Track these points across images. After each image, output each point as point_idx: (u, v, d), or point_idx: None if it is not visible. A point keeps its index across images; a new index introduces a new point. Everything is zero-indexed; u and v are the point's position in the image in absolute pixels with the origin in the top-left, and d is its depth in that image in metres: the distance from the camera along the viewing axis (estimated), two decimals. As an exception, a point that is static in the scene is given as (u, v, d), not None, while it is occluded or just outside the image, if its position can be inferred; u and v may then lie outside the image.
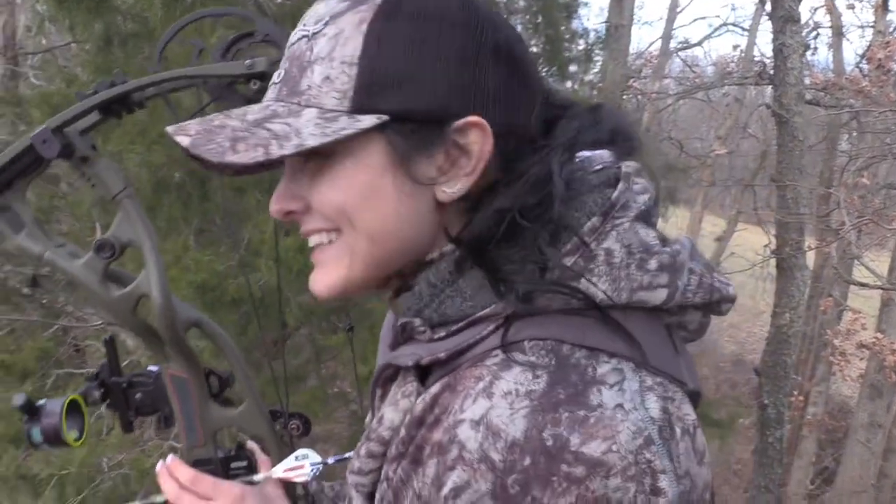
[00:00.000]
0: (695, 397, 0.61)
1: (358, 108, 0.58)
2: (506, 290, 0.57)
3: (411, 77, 0.57)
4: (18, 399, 0.90)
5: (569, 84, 5.55)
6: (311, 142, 0.56)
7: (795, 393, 7.49)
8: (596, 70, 6.20)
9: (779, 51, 5.60)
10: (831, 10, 8.78)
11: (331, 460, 0.92)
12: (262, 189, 3.28)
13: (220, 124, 0.59)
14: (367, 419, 0.75)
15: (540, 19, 4.65)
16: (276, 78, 0.62)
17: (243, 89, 0.84)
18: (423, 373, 0.60)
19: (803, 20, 7.64)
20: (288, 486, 0.92)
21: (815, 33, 8.96)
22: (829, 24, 9.04)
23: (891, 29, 8.54)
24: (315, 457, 0.90)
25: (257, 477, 0.91)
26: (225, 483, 0.87)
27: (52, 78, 3.74)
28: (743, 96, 10.71)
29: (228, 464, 0.92)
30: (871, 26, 8.89)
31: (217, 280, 2.98)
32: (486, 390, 0.53)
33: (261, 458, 0.96)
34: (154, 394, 0.93)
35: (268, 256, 2.87)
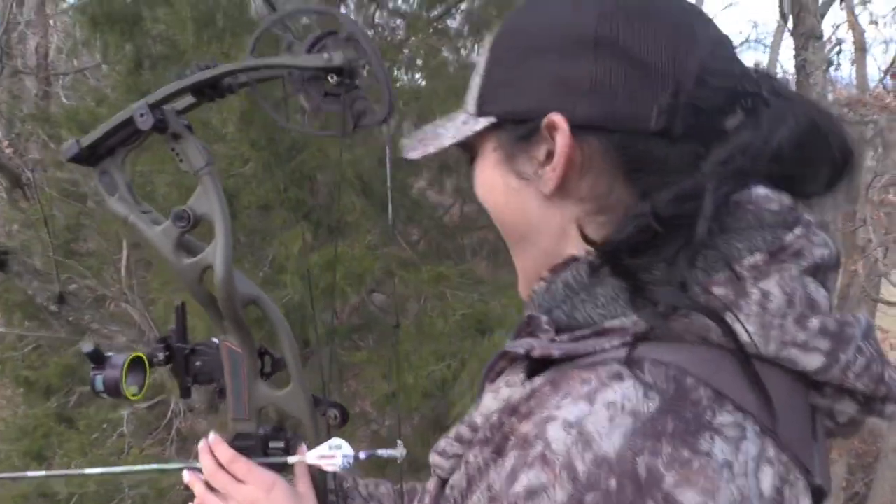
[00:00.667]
0: (818, 495, 0.54)
1: (480, 112, 0.63)
2: (642, 303, 0.54)
3: (513, 80, 0.61)
4: (87, 347, 0.96)
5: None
6: (446, 142, 0.65)
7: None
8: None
9: (801, 67, 5.56)
10: (854, 26, 8.73)
11: (362, 455, 0.94)
12: (289, 207, 3.31)
13: (420, 131, 0.69)
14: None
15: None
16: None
17: (328, 86, 0.89)
18: (534, 371, 0.57)
19: (826, 36, 7.60)
20: (318, 477, 0.95)
21: (837, 49, 8.91)
22: (852, 39, 8.98)
23: (915, 45, 8.46)
24: (348, 449, 0.92)
25: (291, 459, 0.93)
26: (259, 469, 0.90)
27: (83, 98, 3.81)
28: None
29: (267, 442, 0.95)
30: (895, 42, 8.82)
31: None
32: (590, 395, 0.49)
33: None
34: (212, 364, 0.98)
35: (293, 273, 2.87)
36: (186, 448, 4.24)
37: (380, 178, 3.39)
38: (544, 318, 0.60)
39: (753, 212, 0.56)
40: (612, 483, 0.45)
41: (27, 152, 4.73)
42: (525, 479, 0.47)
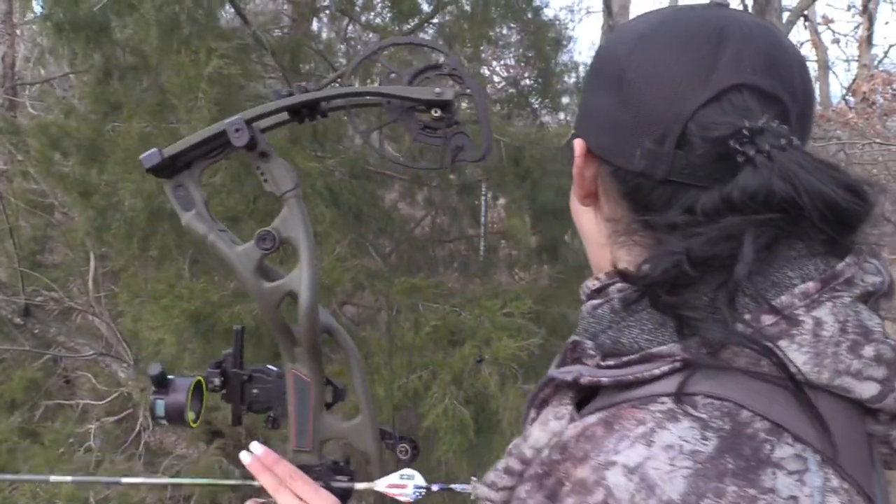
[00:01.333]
0: None
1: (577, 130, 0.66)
2: (689, 333, 0.52)
3: (581, 108, 0.67)
4: (154, 368, 0.92)
5: (562, 116, 5.63)
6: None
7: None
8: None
9: (767, 84, 5.69)
10: (817, 44, 8.95)
11: (435, 487, 0.92)
12: (257, 219, 3.30)
13: None
14: None
15: (532, 53, 4.73)
16: None
17: (424, 116, 0.90)
18: (582, 400, 0.57)
19: (790, 55, 7.74)
20: None
21: (801, 67, 9.10)
22: (815, 58, 9.20)
23: (875, 63, 8.71)
24: (420, 480, 0.90)
25: (359, 485, 0.91)
26: (325, 492, 0.86)
27: (51, 108, 3.78)
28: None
29: (330, 475, 0.92)
30: (856, 60, 9.07)
31: (211, 309, 2.97)
32: (647, 437, 0.48)
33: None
34: (271, 392, 0.95)
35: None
36: (155, 462, 4.17)
37: (348, 189, 3.40)
38: (589, 343, 0.59)
39: (805, 241, 0.54)
40: None
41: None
42: None
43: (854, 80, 7.70)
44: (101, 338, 4.04)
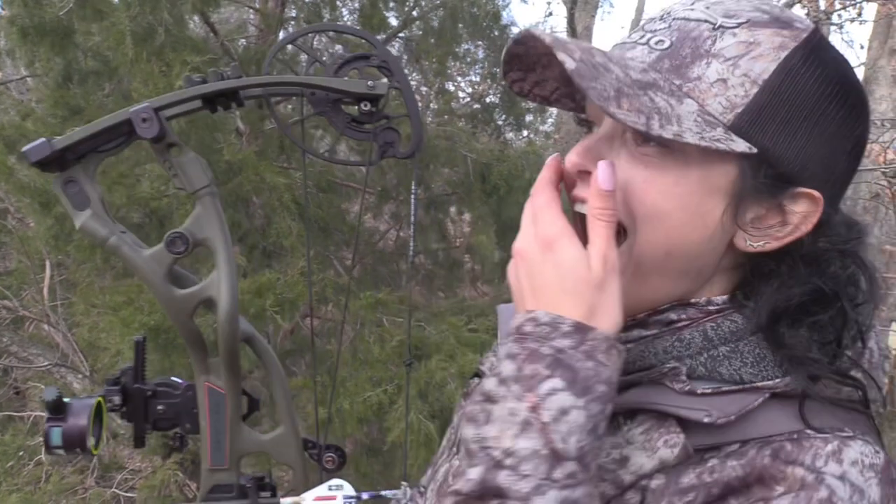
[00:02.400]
0: None
1: (737, 127, 0.54)
2: (792, 368, 0.56)
3: (796, 125, 0.55)
4: (50, 393, 0.82)
5: (525, 133, 5.70)
6: (689, 138, 0.53)
7: None
8: (551, 120, 6.39)
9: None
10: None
11: (365, 495, 0.89)
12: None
13: (602, 63, 0.54)
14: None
15: (497, 70, 4.79)
16: (653, 40, 0.57)
17: (351, 109, 0.84)
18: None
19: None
20: None
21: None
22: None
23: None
24: (349, 489, 0.87)
25: (285, 500, 0.87)
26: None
27: (7, 110, 3.68)
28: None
29: (246, 493, 0.86)
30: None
31: (170, 322, 2.92)
32: (836, 455, 0.53)
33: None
34: (178, 407, 0.87)
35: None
36: (108, 477, 4.06)
37: (315, 202, 3.38)
38: (684, 370, 0.58)
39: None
40: None
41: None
42: None
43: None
44: (57, 348, 3.93)
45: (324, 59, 0.87)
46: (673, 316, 0.60)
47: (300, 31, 0.94)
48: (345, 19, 4.16)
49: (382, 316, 3.53)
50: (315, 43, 3.82)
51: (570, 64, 0.52)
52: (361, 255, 4.41)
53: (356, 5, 4.03)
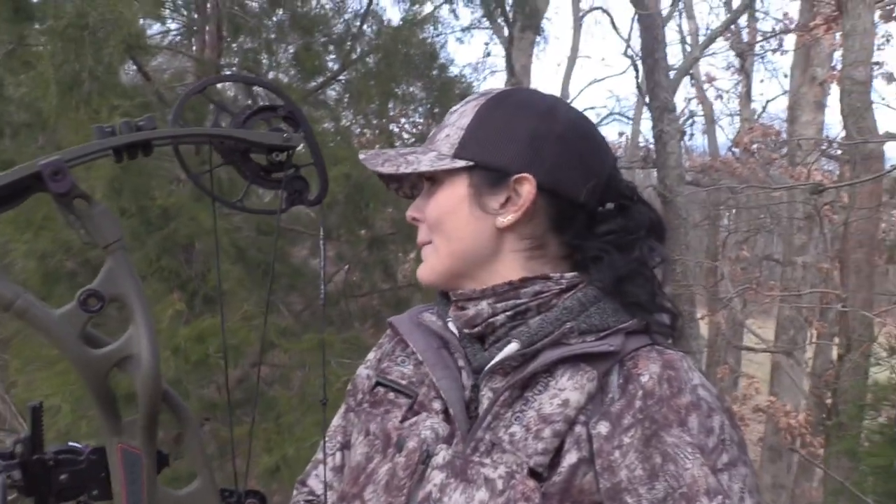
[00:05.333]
0: None
1: (458, 155, 0.87)
2: (638, 312, 0.85)
3: (493, 143, 0.87)
4: None
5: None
6: (423, 167, 0.87)
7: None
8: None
9: (658, 137, 6.06)
10: (703, 100, 9.59)
11: None
12: (160, 278, 3.21)
13: (384, 151, 0.92)
14: (434, 431, 0.87)
15: (438, 108, 4.88)
16: (429, 137, 0.94)
17: (259, 159, 0.86)
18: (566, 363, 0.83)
19: (679, 109, 8.30)
20: None
21: (690, 121, 9.73)
22: (703, 112, 9.86)
23: (755, 116, 9.40)
24: None
25: None
26: None
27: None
28: (631, 179, 11.42)
29: None
30: (738, 114, 9.76)
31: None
32: (691, 368, 0.82)
33: None
34: (84, 474, 0.83)
35: (164, 346, 2.77)
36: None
37: (255, 246, 3.36)
38: (575, 328, 0.83)
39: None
40: (725, 403, 0.82)
41: None
42: (716, 424, 0.78)
43: (738, 133, 8.28)
44: (-9, 411, 3.78)
45: (230, 110, 0.90)
46: (537, 287, 0.86)
47: (206, 81, 0.95)
48: (282, 64, 4.20)
49: (330, 359, 3.50)
50: (232, 90, 3.83)
51: (362, 156, 0.92)
52: (308, 298, 4.38)
53: (292, 50, 4.07)
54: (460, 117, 0.89)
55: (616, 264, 0.85)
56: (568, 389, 0.81)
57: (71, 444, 0.85)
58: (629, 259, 0.86)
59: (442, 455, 0.82)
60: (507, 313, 0.86)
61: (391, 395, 0.91)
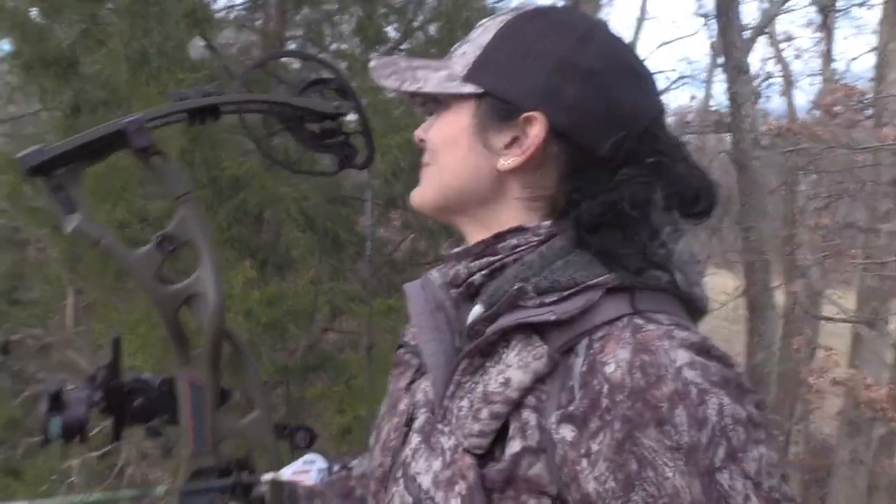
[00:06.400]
0: None
1: (469, 78, 0.75)
2: (616, 266, 0.69)
3: (510, 70, 0.74)
4: (51, 385, 0.88)
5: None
6: (428, 88, 0.76)
7: (776, 432, 7.49)
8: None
9: (732, 99, 5.84)
10: (780, 60, 9.16)
11: (336, 467, 0.95)
12: (232, 246, 3.33)
13: (395, 61, 0.81)
14: (425, 395, 0.80)
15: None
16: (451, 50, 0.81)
17: (313, 126, 0.93)
18: (531, 335, 0.69)
19: (755, 70, 7.96)
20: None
21: (766, 82, 9.32)
22: (780, 73, 9.43)
23: (837, 76, 8.92)
24: (322, 462, 0.94)
25: (265, 476, 0.91)
26: None
27: (22, 143, 3.80)
28: (703, 144, 11.05)
29: (229, 474, 0.90)
30: (820, 73, 9.29)
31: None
32: (680, 344, 0.64)
33: None
34: (155, 401, 0.93)
35: (236, 311, 2.88)
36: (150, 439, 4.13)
37: (324, 215, 3.44)
38: (530, 287, 0.70)
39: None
40: (725, 376, 0.65)
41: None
42: (711, 411, 0.62)
43: (819, 94, 7.88)
44: (83, 372, 4.02)
45: (288, 81, 0.96)
46: (514, 241, 0.74)
47: (267, 56, 1.05)
48: (345, 35, 4.24)
49: (395, 324, 3.56)
50: (296, 64, 3.93)
51: (372, 64, 0.81)
52: (376, 265, 4.46)
53: (354, 20, 4.10)
54: (483, 33, 0.77)
55: (591, 209, 0.71)
56: (513, 367, 0.68)
57: (145, 375, 0.95)
58: (608, 203, 0.71)
59: (419, 420, 0.78)
60: (483, 272, 0.75)
61: (408, 356, 0.88)
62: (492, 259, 0.75)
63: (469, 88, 0.75)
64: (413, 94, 0.79)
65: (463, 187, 0.78)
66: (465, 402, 0.71)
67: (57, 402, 0.88)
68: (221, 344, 0.87)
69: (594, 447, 0.62)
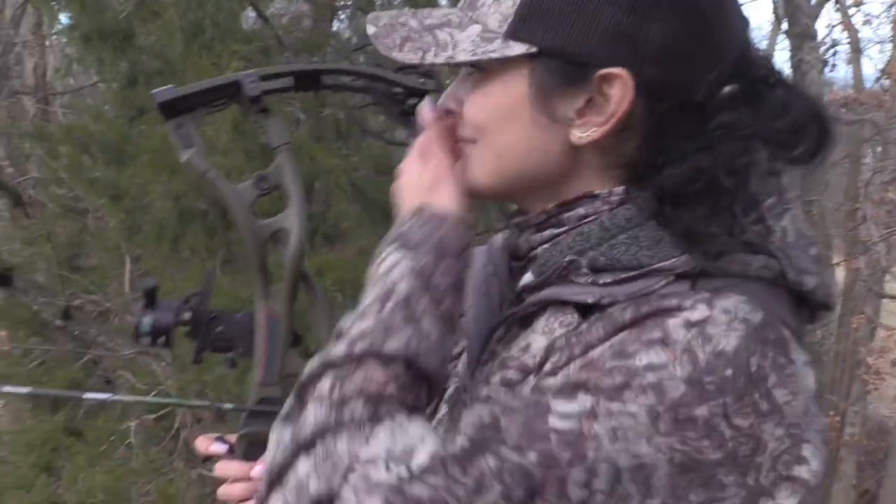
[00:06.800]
0: None
1: (513, 34, 0.60)
2: (693, 246, 0.57)
3: (569, 16, 0.58)
4: (149, 282, 0.97)
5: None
6: (461, 57, 0.62)
7: (831, 413, 7.31)
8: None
9: (797, 67, 5.59)
10: (849, 26, 8.74)
11: None
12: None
13: (403, 21, 0.65)
14: (464, 364, 0.75)
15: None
16: None
17: (405, 106, 0.97)
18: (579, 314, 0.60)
19: (820, 37, 7.63)
20: None
21: (833, 50, 8.92)
22: (847, 40, 9.00)
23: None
24: None
25: None
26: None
27: (81, 115, 3.89)
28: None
29: None
30: (890, 41, 8.84)
31: (240, 305, 3.04)
32: (708, 301, 0.54)
33: None
34: (235, 331, 0.99)
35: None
36: (193, 459, 4.27)
37: (373, 185, 3.44)
38: (584, 262, 0.60)
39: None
40: (729, 372, 0.52)
41: (27, 171, 4.81)
42: (646, 358, 0.52)
43: (889, 62, 7.50)
44: (139, 338, 4.13)
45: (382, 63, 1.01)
46: (581, 210, 0.64)
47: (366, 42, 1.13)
48: (395, 3, 4.19)
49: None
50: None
51: (371, 30, 0.65)
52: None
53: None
54: None
55: (677, 176, 0.58)
56: (537, 332, 0.61)
57: (229, 312, 1.03)
58: (698, 168, 0.58)
59: (449, 389, 0.75)
60: (545, 246, 0.66)
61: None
62: (556, 232, 0.65)
63: (518, 49, 0.60)
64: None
65: (528, 170, 0.65)
66: (485, 369, 0.66)
67: (151, 300, 0.97)
68: (298, 283, 0.93)
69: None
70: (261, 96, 0.90)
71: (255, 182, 0.91)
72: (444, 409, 0.74)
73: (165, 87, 0.90)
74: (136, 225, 3.12)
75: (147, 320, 0.94)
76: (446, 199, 0.65)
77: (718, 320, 0.53)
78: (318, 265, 2.88)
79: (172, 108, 0.91)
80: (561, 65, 0.59)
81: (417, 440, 0.54)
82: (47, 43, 5.56)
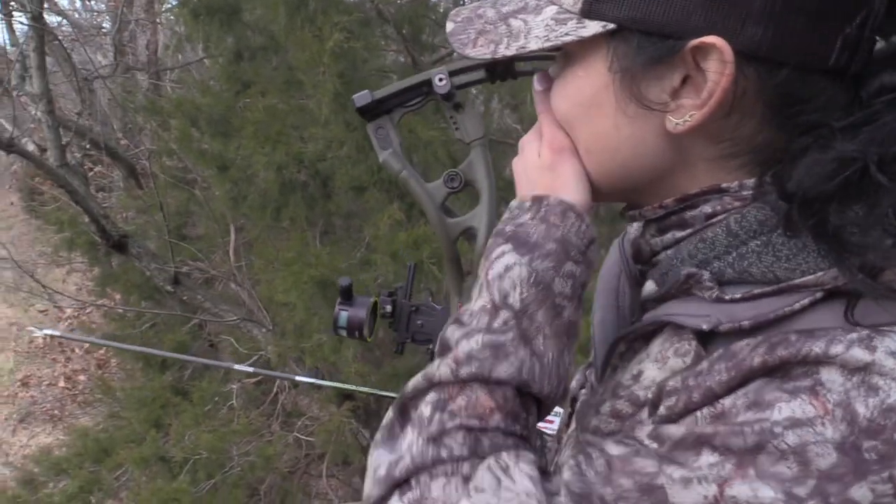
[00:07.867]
0: None
1: (587, 11, 0.52)
2: (845, 259, 0.45)
3: None
4: (345, 280, 1.03)
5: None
6: (533, 45, 0.54)
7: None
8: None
9: None
10: None
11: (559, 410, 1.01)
12: (381, 188, 3.38)
13: (480, 13, 0.59)
14: (581, 379, 0.74)
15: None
16: None
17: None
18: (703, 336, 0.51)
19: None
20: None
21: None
22: None
23: None
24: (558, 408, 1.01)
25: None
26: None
27: (189, 90, 4.03)
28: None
29: None
30: None
31: (338, 276, 3.09)
32: (866, 342, 0.43)
33: None
34: (434, 325, 1.04)
35: (383, 252, 2.94)
36: (290, 422, 4.43)
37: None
38: (706, 275, 0.51)
39: None
40: None
41: (140, 143, 5.06)
42: (787, 409, 0.42)
43: None
44: (243, 304, 4.30)
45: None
46: (708, 208, 0.54)
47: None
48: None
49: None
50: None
51: (449, 27, 0.60)
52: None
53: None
54: None
55: (818, 170, 0.46)
56: (649, 359, 0.54)
57: (432, 303, 1.07)
58: (847, 159, 0.45)
59: (579, 402, 0.70)
60: (668, 251, 0.58)
61: None
62: (679, 235, 0.56)
63: (594, 27, 0.52)
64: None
65: (622, 166, 0.57)
66: (601, 391, 0.59)
67: (348, 296, 1.02)
68: None
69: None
70: (453, 91, 0.89)
71: (445, 180, 0.92)
72: (573, 423, 0.69)
73: (362, 93, 0.91)
74: (241, 195, 3.22)
75: (344, 315, 1.00)
76: (568, 184, 0.58)
77: (884, 365, 0.41)
78: (415, 238, 2.89)
79: (371, 112, 0.93)
80: (644, 40, 0.50)
81: (522, 495, 0.47)
82: (158, 20, 5.80)
